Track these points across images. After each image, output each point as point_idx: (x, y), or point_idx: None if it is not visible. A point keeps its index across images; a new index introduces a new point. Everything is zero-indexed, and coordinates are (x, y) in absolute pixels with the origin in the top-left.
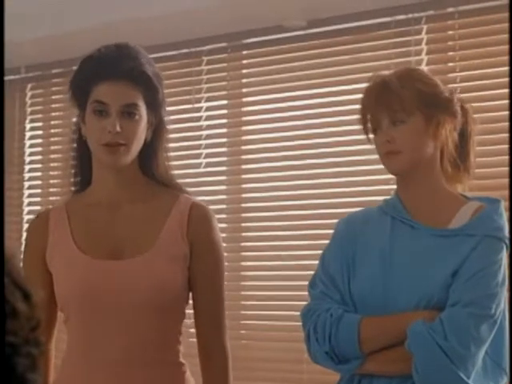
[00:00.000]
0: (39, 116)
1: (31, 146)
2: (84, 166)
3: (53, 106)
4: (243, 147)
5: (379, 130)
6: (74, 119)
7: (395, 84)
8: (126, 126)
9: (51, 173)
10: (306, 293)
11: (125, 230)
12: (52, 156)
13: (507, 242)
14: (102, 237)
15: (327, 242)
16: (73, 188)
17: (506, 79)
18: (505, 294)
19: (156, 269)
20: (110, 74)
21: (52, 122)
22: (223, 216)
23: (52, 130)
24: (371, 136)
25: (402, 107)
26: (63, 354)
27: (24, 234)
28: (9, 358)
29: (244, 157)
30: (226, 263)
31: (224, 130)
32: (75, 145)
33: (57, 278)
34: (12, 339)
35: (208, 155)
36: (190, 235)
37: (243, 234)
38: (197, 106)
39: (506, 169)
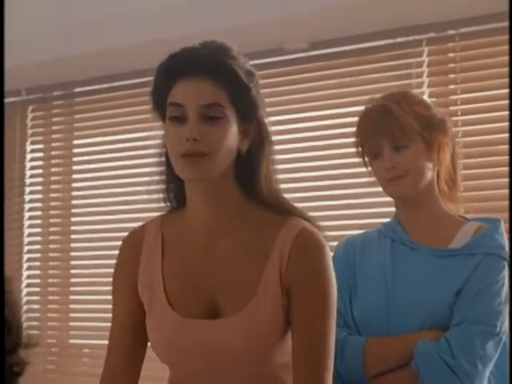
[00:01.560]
0: (40, 138)
1: (32, 168)
2: (175, 182)
3: (53, 128)
4: None
5: (380, 157)
6: (75, 141)
7: (396, 110)
8: (207, 131)
9: (52, 195)
10: None
11: (221, 275)
12: (53, 178)
13: (509, 260)
14: (196, 287)
15: None
16: (167, 203)
17: (507, 101)
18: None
19: (256, 327)
20: (185, 71)
21: (53, 144)
22: None
23: (53, 152)
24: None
25: (404, 133)
26: None
27: (24, 257)
28: None
29: None
30: None
31: None
32: (164, 158)
33: (146, 321)
34: None
35: None
36: (288, 271)
37: None
38: None
39: (506, 191)
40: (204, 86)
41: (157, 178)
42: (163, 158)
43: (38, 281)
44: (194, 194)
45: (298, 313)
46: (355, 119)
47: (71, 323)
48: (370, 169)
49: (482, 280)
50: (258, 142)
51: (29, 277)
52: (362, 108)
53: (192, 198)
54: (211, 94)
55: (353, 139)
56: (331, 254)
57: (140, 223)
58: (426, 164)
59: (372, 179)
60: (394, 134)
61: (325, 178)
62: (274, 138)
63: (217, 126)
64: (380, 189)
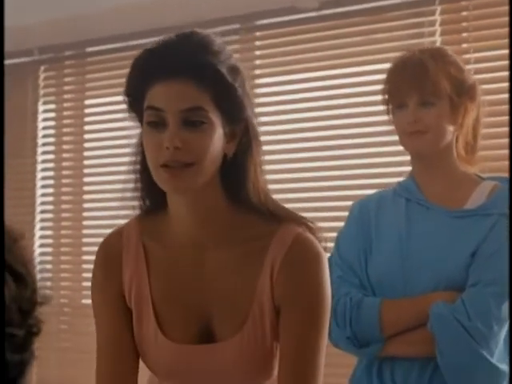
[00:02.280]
0: (52, 98)
1: (44, 128)
2: (153, 187)
3: (65, 88)
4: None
5: (405, 108)
6: (86, 101)
7: (432, 67)
8: (189, 138)
9: (64, 155)
10: None
11: (213, 294)
12: (65, 138)
13: None
14: (187, 309)
15: (342, 224)
16: (142, 209)
17: None
18: None
19: (255, 349)
20: (164, 72)
21: (65, 105)
22: None
23: (65, 113)
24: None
25: (434, 90)
26: None
27: (37, 217)
28: None
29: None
30: None
31: None
32: (139, 166)
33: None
34: None
35: None
36: (279, 286)
37: None
38: None
39: None
40: (185, 89)
41: (131, 183)
42: (139, 157)
43: (50, 241)
44: (177, 205)
45: (288, 328)
46: (367, 78)
47: (84, 283)
48: (392, 118)
49: (498, 241)
50: (246, 144)
51: (42, 237)
52: (373, 67)
53: (175, 208)
54: (193, 97)
55: (364, 99)
56: (327, 259)
57: None
58: (448, 126)
59: (390, 128)
60: (425, 89)
61: (335, 138)
62: (286, 98)
63: (200, 131)
64: (395, 148)
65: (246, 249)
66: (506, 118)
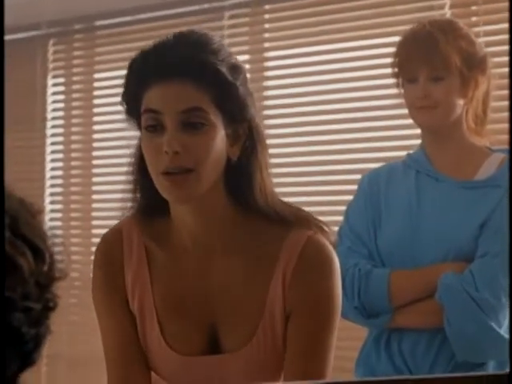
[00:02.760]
0: (61, 72)
1: (53, 102)
2: (153, 194)
3: (75, 62)
4: (264, 103)
5: (415, 83)
6: (96, 75)
7: (442, 41)
8: (190, 141)
9: (73, 129)
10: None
11: (221, 304)
12: (74, 112)
13: None
14: (193, 318)
15: (351, 197)
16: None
17: None
18: None
19: (266, 359)
20: (161, 72)
21: (74, 79)
22: None
23: (74, 87)
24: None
25: (444, 66)
26: None
27: (47, 190)
28: (5, 313)
29: (265, 112)
30: None
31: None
32: (137, 168)
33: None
34: (9, 294)
35: None
36: (292, 293)
37: None
38: None
39: None
40: (183, 89)
41: (129, 183)
42: (138, 160)
43: (60, 215)
44: (181, 214)
45: (298, 331)
46: (376, 51)
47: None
48: (401, 91)
49: (506, 212)
50: (250, 146)
51: (51, 211)
52: (382, 40)
53: (178, 216)
54: (192, 97)
55: (374, 71)
56: (338, 262)
57: None
58: (458, 100)
59: (400, 101)
60: (435, 64)
61: (341, 112)
62: (295, 71)
63: (200, 134)
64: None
65: (255, 256)
66: None
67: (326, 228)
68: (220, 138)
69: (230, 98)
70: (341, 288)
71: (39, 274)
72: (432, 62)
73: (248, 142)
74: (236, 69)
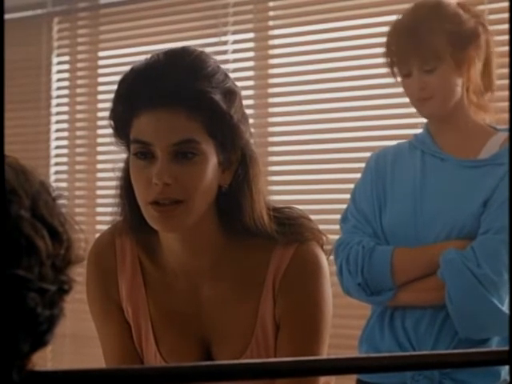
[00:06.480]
0: (66, 50)
1: (58, 80)
2: (141, 215)
3: (79, 40)
4: (270, 81)
5: (410, 76)
6: (100, 53)
7: (425, 31)
8: (180, 172)
9: (78, 107)
10: (337, 227)
11: (213, 321)
12: (79, 90)
13: None
14: (187, 337)
15: (358, 175)
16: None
17: None
18: None
19: None
20: (151, 100)
21: (79, 56)
22: None
23: (79, 65)
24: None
25: (433, 56)
26: None
27: (52, 169)
28: (18, 292)
29: (271, 90)
30: None
31: (251, 64)
32: (123, 192)
33: None
34: (23, 273)
35: None
36: (280, 305)
37: (269, 178)
38: (223, 39)
39: None
40: (175, 120)
41: (117, 205)
42: (125, 182)
43: (65, 194)
44: (170, 240)
45: (286, 342)
46: (376, 30)
47: (97, 236)
48: (400, 81)
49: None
50: (243, 172)
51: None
52: (385, 19)
53: (167, 243)
54: (183, 128)
55: (374, 50)
56: (328, 271)
57: None
58: (455, 81)
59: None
60: (425, 57)
61: (347, 90)
62: (300, 49)
63: (191, 165)
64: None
65: (244, 277)
66: None
67: (320, 236)
68: (211, 166)
69: (223, 127)
70: (330, 295)
71: (56, 257)
72: (421, 55)
73: (240, 168)
74: (231, 94)
